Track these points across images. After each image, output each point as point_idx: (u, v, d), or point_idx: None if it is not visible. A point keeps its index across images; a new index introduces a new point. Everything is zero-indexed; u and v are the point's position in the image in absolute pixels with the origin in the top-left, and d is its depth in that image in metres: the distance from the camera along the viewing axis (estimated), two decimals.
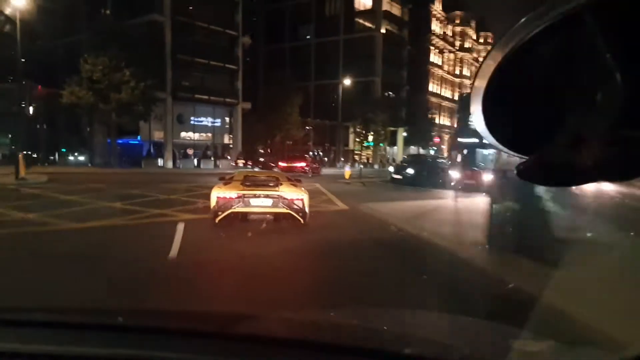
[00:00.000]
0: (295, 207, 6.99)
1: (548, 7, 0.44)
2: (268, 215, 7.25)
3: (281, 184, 7.34)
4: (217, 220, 6.82)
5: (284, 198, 6.96)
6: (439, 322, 1.71)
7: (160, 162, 29.75)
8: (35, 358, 0.93)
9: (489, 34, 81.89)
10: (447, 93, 68.94)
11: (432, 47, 62.50)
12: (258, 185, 7.26)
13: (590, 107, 0.48)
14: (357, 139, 47.45)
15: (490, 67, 0.49)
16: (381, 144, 48.10)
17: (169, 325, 1.13)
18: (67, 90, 23.01)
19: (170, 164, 29.85)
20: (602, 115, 0.47)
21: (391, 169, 21.72)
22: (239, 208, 6.86)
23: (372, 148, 48.92)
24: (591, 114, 0.48)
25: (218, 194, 6.98)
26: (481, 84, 0.51)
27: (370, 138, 45.28)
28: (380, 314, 1.82)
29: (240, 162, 29.00)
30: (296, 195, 7.11)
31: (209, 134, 33.79)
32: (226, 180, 7.72)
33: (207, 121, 33.46)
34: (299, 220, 6.99)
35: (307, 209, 7.18)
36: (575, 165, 0.49)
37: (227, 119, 34.34)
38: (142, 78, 23.92)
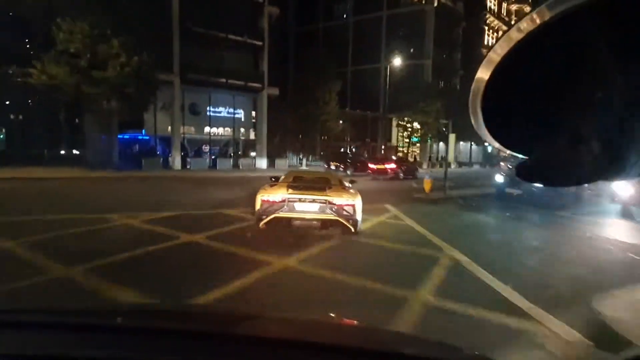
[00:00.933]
0: (345, 213, 6.26)
1: (547, 7, 0.43)
2: (314, 222, 6.33)
3: (331, 187, 6.70)
4: (260, 225, 6.36)
5: (333, 203, 6.24)
6: (438, 322, 1.66)
7: (168, 160, 23.75)
8: None
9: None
10: None
11: (486, 28, 53.91)
12: (305, 188, 6.53)
13: (590, 107, 0.47)
14: (402, 134, 40.07)
15: (489, 68, 0.48)
16: (428, 140, 40.41)
17: (168, 326, 1.11)
18: (38, 67, 17.18)
19: (178, 164, 23.76)
20: (602, 115, 0.46)
21: (498, 178, 14.16)
22: (282, 213, 6.22)
23: (419, 145, 41.40)
24: (591, 114, 0.48)
25: (263, 196, 6.39)
26: (481, 84, 0.49)
27: (418, 132, 37.87)
28: (381, 314, 1.95)
29: (333, 165, 23.68)
30: (346, 201, 6.33)
31: (228, 128, 27.53)
32: (273, 182, 7.17)
33: (225, 112, 27.21)
34: (349, 229, 6.28)
35: (359, 216, 6.45)
36: (575, 166, 0.49)
37: (251, 109, 27.92)
38: (136, 51, 17.78)
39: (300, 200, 6.19)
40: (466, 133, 48.13)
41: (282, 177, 7.44)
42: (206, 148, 26.77)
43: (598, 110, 0.47)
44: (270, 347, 0.99)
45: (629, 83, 0.43)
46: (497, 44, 0.48)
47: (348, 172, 21.01)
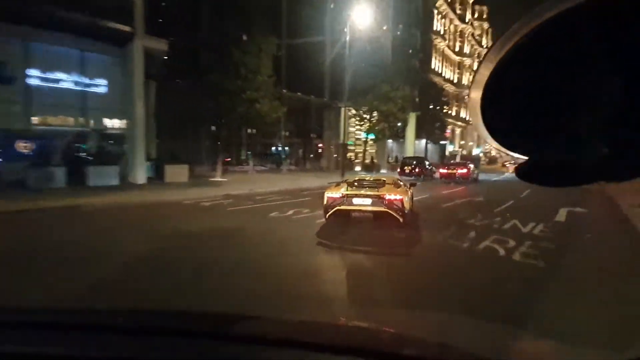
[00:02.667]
0: (395, 206, 7.19)
1: (546, 7, 0.43)
2: (367, 214, 7.55)
3: (384, 186, 7.58)
4: (326, 216, 7.51)
5: (383, 198, 7.21)
6: (437, 322, 1.65)
7: None
8: None
9: (484, 7, 68.81)
10: (448, 74, 53.86)
11: (435, 11, 46.84)
12: (362, 187, 7.61)
13: (589, 107, 0.47)
14: (359, 127, 30.27)
15: (489, 67, 0.48)
16: (386, 137, 31.18)
17: (168, 326, 1.11)
18: None
19: None
20: (601, 115, 0.46)
21: None
22: (343, 206, 7.34)
23: (375, 142, 32.00)
24: (590, 115, 0.48)
25: (328, 194, 7.54)
26: (480, 84, 0.49)
27: (377, 125, 28.37)
28: (380, 314, 1.89)
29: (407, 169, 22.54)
30: (395, 196, 7.27)
31: (75, 113, 14.82)
32: (338, 182, 8.37)
33: (69, 80, 14.53)
34: (398, 219, 7.16)
35: (406, 209, 7.39)
36: (574, 166, 0.49)
37: (120, 78, 15.38)
38: None
39: (357, 195, 7.34)
40: (424, 128, 40.56)
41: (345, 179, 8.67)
42: (26, 146, 13.88)
43: (598, 110, 0.46)
44: (270, 347, 0.99)
45: (628, 83, 0.43)
46: (497, 43, 0.47)
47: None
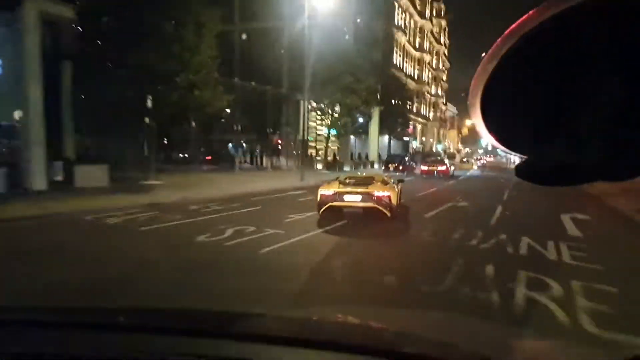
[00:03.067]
0: (383, 202, 7.57)
1: (547, 6, 0.43)
2: (359, 209, 7.83)
3: (373, 183, 7.99)
4: (320, 212, 7.86)
5: (372, 194, 7.60)
6: (439, 322, 1.65)
7: None
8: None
9: (442, 5, 68.84)
10: (409, 69, 52.84)
11: (396, 4, 45.41)
12: (353, 184, 8.06)
13: (589, 106, 0.47)
14: (319, 122, 27.85)
15: (488, 66, 0.48)
16: (347, 132, 29.02)
17: (168, 325, 1.10)
18: None
19: None
20: (601, 115, 0.46)
21: None
22: (335, 202, 7.70)
23: (337, 139, 29.75)
24: (590, 114, 0.48)
25: (321, 191, 7.98)
26: (480, 83, 0.49)
27: (339, 120, 26.11)
28: (380, 313, 1.85)
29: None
30: (383, 193, 7.66)
31: None
32: (332, 180, 8.73)
33: None
34: (385, 214, 7.56)
35: (394, 204, 7.79)
36: (574, 165, 0.49)
37: (12, 54, 11.74)
38: None
39: (347, 192, 7.77)
40: (386, 124, 38.90)
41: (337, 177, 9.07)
42: None
43: (598, 110, 0.46)
44: (272, 345, 0.99)
45: (628, 82, 0.43)
46: (497, 43, 0.47)
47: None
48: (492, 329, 1.58)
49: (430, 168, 22.25)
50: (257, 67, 24.73)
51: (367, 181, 8.20)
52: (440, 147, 62.50)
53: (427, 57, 59.47)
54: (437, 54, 66.14)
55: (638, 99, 0.43)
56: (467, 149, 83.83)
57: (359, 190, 7.73)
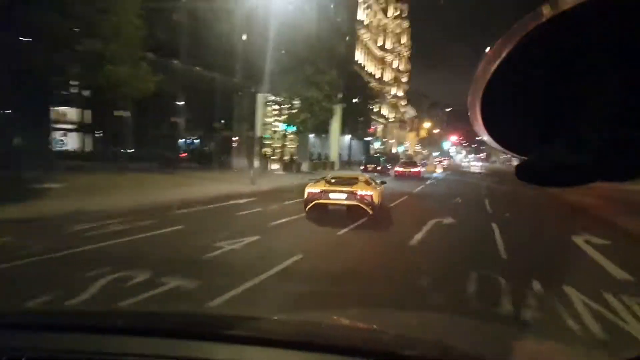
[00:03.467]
0: (365, 200, 8.04)
1: (547, 6, 0.43)
2: (343, 206, 8.32)
3: (357, 183, 8.48)
4: (306, 209, 8.35)
5: (356, 193, 8.11)
6: (439, 323, 1.64)
7: None
8: None
9: (405, 6, 68.25)
10: (371, 68, 51.31)
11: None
12: (338, 183, 8.52)
13: (589, 107, 0.47)
14: (275, 117, 25.04)
15: (489, 68, 0.48)
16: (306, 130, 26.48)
17: (169, 327, 1.10)
18: None
19: None
20: (601, 115, 0.46)
21: None
22: (321, 200, 8.24)
23: (296, 136, 27.09)
24: (590, 114, 0.47)
25: (308, 189, 8.44)
26: (480, 85, 0.49)
27: (298, 116, 23.49)
28: (380, 315, 1.84)
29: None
30: (366, 192, 8.15)
31: None
32: (318, 179, 9.15)
33: None
34: (367, 211, 8.02)
35: (376, 203, 8.24)
36: (574, 166, 0.49)
37: None
38: None
39: (333, 191, 8.28)
40: (347, 123, 36.77)
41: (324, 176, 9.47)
42: None
43: (598, 110, 0.46)
44: (272, 348, 0.98)
45: (628, 83, 0.43)
46: (497, 43, 0.47)
47: None
48: (492, 330, 1.60)
49: (404, 170, 23.46)
50: (207, 52, 21.44)
51: (352, 181, 8.64)
52: (401, 149, 61.86)
53: (389, 58, 58.43)
54: (399, 55, 65.49)
55: (638, 99, 0.43)
56: (425, 151, 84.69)
57: (343, 189, 8.20)
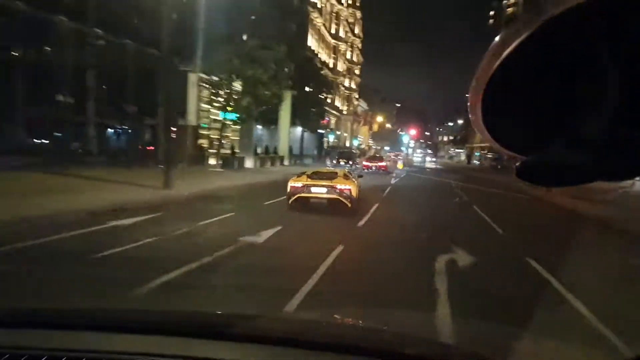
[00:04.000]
0: (345, 194, 8.56)
1: (548, 6, 0.43)
2: (323, 200, 8.80)
3: (336, 178, 8.94)
4: (289, 202, 8.74)
5: (336, 187, 8.58)
6: (439, 322, 1.69)
7: None
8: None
9: None
10: (324, 56, 47.84)
11: None
12: (319, 178, 8.92)
13: (589, 106, 0.47)
14: (213, 100, 20.63)
15: (489, 67, 0.48)
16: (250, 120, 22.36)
17: (168, 327, 1.08)
18: None
19: None
20: (602, 115, 0.46)
21: None
22: (303, 194, 8.65)
23: (240, 126, 22.78)
24: (590, 114, 0.47)
25: (291, 184, 8.85)
26: (480, 83, 0.49)
27: (240, 101, 19.32)
28: (380, 314, 1.85)
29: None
30: (345, 186, 8.65)
31: None
32: (300, 174, 9.48)
33: None
34: (346, 205, 8.52)
35: (354, 196, 8.73)
36: (574, 166, 0.49)
37: None
38: None
39: (314, 185, 8.67)
40: (299, 113, 32.84)
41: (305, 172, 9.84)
42: None
43: (598, 110, 0.46)
44: (270, 346, 0.97)
45: (629, 82, 0.43)
46: (497, 43, 0.46)
47: None
48: (492, 329, 1.60)
49: (372, 164, 23.83)
50: (115, 12, 16.50)
51: (332, 176, 9.09)
52: (355, 142, 59.40)
53: (342, 47, 55.38)
54: (352, 45, 62.77)
55: (638, 99, 0.43)
56: (378, 146, 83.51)
57: (324, 183, 8.67)
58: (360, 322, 1.48)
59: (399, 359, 0.95)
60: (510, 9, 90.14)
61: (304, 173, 9.43)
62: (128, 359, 0.92)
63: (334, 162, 26.08)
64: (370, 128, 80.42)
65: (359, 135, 68.13)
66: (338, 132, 54.40)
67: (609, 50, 0.43)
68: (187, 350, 0.95)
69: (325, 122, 36.38)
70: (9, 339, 1.01)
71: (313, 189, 8.62)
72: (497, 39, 0.46)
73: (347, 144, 56.88)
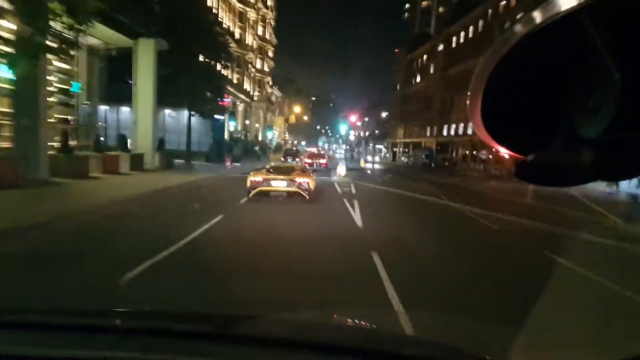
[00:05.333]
0: (303, 187, 9.03)
1: (546, 6, 0.43)
2: (283, 193, 9.23)
3: (295, 171, 9.59)
4: (250, 195, 9.05)
5: (295, 181, 9.04)
6: (439, 323, 1.64)
7: None
8: None
9: None
10: (228, 22, 36.07)
11: None
12: (278, 172, 9.44)
13: (588, 107, 0.47)
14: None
15: (488, 67, 0.47)
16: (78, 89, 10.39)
17: (169, 327, 1.07)
18: None
19: None
20: (601, 115, 0.45)
21: None
22: (263, 187, 9.01)
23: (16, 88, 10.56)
24: (589, 114, 0.47)
25: (251, 178, 9.16)
26: (480, 83, 0.49)
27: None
28: (381, 314, 1.85)
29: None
30: (304, 179, 9.16)
31: None
32: (260, 168, 10.05)
33: None
34: (305, 197, 9.05)
35: (312, 189, 9.21)
36: (573, 166, 0.48)
37: None
38: None
39: (274, 179, 9.10)
40: (183, 86, 19.07)
41: (264, 166, 10.38)
42: None
43: (597, 110, 0.45)
44: (270, 347, 0.96)
45: (628, 82, 0.42)
46: (497, 43, 0.46)
47: None
48: (492, 329, 1.58)
49: (313, 161, 24.02)
50: None
51: (290, 170, 9.75)
52: (269, 134, 48.69)
53: (252, 15, 43.99)
54: (265, 20, 51.64)
55: (638, 99, 0.42)
56: (293, 139, 74.13)
57: (283, 177, 9.14)
58: (361, 323, 1.45)
59: None
60: (424, 2, 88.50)
61: (263, 167, 10.05)
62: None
63: (282, 159, 25.10)
64: (287, 120, 70.18)
65: (273, 127, 57.48)
66: (247, 121, 43.08)
67: (609, 50, 0.42)
68: (187, 350, 0.93)
69: (225, 104, 25.05)
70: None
71: (273, 183, 8.98)
72: (497, 39, 0.45)
73: (260, 137, 45.94)
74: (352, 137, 78.13)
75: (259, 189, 8.96)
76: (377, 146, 72.04)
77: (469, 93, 0.50)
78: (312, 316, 1.59)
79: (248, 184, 9.12)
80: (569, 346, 1.38)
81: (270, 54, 57.07)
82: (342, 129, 77.50)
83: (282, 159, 25.42)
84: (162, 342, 0.97)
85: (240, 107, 40.39)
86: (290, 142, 70.13)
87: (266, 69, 53.29)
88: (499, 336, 1.36)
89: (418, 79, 54.76)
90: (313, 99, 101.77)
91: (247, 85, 43.77)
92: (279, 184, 9.06)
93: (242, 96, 39.71)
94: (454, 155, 40.55)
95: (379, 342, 1.06)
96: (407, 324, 1.44)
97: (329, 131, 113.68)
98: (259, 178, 9.05)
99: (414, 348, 1.00)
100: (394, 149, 57.32)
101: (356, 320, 1.46)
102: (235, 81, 37.77)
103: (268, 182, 9.00)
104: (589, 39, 0.42)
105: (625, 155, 0.46)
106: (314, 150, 36.29)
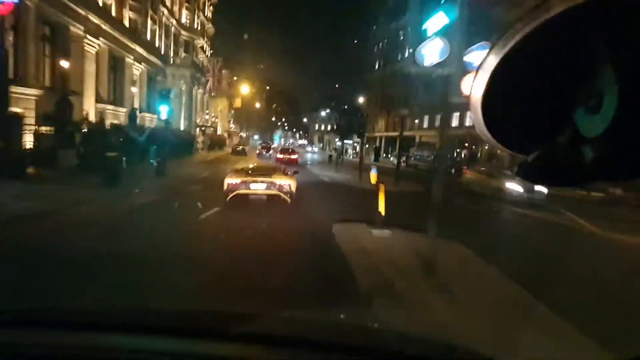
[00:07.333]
0: (284, 190, 8.04)
1: (546, 6, 0.42)
2: (264, 196, 8.15)
3: (275, 173, 8.50)
4: (227, 199, 7.94)
5: (275, 183, 8.06)
6: (438, 322, 1.57)
7: None
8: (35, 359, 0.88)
9: None
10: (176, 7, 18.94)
11: None
12: (257, 174, 8.35)
13: (590, 107, 0.46)
14: None
15: (489, 67, 0.47)
16: None
17: (168, 325, 1.05)
18: None
19: None
20: (602, 115, 0.45)
21: None
22: (241, 190, 7.99)
23: None
24: (591, 114, 0.46)
25: (228, 180, 8.09)
26: (481, 84, 0.48)
27: None
28: (381, 314, 1.84)
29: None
30: (285, 181, 8.14)
31: None
32: (237, 169, 8.95)
33: None
34: (286, 200, 8.02)
35: (293, 191, 8.18)
36: (575, 165, 0.48)
37: None
38: None
39: (253, 181, 8.08)
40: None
41: (242, 167, 9.34)
42: None
43: (598, 110, 0.45)
44: (271, 346, 0.94)
45: (630, 82, 0.42)
46: (498, 42, 0.46)
47: None
48: (492, 329, 1.53)
49: (284, 156, 24.02)
50: None
51: (269, 171, 8.67)
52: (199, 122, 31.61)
53: None
54: None
55: (638, 99, 0.42)
56: (240, 131, 57.55)
57: (263, 179, 8.08)
58: (363, 322, 1.43)
59: (401, 359, 0.92)
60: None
61: (242, 168, 9.00)
62: (128, 358, 0.90)
63: (257, 152, 25.12)
64: (231, 105, 52.67)
65: (213, 112, 40.33)
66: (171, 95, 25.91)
67: (609, 50, 0.42)
68: (187, 350, 0.92)
69: (4, 13, 8.54)
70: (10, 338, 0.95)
71: (252, 186, 8.08)
72: (498, 39, 0.44)
73: (181, 124, 28.98)
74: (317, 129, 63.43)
75: (236, 192, 7.95)
76: (347, 141, 57.31)
77: (470, 92, 0.48)
78: (313, 315, 1.52)
79: (225, 186, 8.05)
80: (570, 345, 1.40)
81: (208, 11, 39.90)
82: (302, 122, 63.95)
83: (257, 151, 27.41)
84: (162, 341, 0.94)
85: (137, 69, 23.21)
86: (238, 133, 53.16)
87: (199, 29, 36.07)
88: (500, 335, 1.40)
89: (407, 54, 40.56)
90: (267, 88, 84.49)
91: (158, 41, 26.70)
92: (258, 187, 8.03)
93: (138, 48, 22.55)
94: (478, 155, 26.44)
95: (380, 341, 1.03)
96: (409, 323, 1.48)
97: (285, 124, 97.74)
98: (236, 180, 8.04)
99: (417, 347, 0.97)
100: (375, 145, 42.72)
101: (357, 319, 1.45)
102: (114, 14, 20.75)
103: (247, 184, 7.98)
104: (590, 39, 0.41)
105: (627, 155, 0.44)
106: (270, 144, 37.34)
